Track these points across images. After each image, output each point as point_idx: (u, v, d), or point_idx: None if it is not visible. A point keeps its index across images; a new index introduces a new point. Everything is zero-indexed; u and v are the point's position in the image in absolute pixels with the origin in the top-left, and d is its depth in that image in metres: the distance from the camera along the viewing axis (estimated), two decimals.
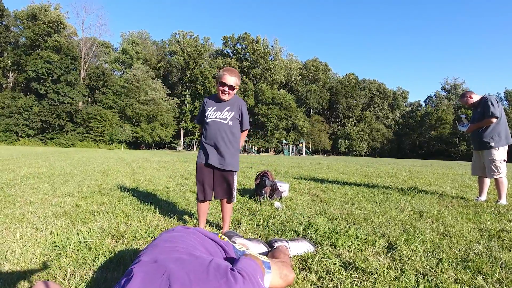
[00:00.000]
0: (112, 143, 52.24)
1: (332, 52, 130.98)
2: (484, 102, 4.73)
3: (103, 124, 51.22)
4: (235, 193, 2.93)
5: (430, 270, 2.01)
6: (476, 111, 4.89)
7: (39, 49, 49.18)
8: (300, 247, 2.30)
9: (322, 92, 74.86)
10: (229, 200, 2.89)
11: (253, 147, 59.04)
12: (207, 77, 59.05)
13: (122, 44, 63.37)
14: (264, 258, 1.62)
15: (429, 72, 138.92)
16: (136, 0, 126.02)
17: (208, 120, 2.84)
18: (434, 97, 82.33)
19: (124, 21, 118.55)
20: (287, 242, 2.28)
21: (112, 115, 53.19)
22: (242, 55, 66.69)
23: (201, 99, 60.56)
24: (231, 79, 2.73)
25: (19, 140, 46.89)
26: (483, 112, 4.74)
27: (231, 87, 2.75)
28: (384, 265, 2.07)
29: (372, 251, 2.36)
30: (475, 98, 4.90)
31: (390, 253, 2.32)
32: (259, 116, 64.09)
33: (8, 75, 52.11)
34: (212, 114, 2.84)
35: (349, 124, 76.59)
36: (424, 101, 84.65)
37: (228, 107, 2.85)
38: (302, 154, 58.16)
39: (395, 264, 2.11)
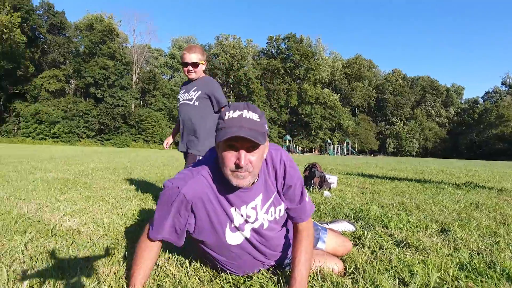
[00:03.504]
0: (162, 143, 54.87)
1: (378, 48, 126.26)
2: None
3: (153, 126, 54.12)
4: None
5: (485, 250, 2.05)
6: None
7: (96, 57, 53.21)
8: (340, 226, 2.43)
9: (368, 90, 72.42)
10: None
11: (297, 147, 58.80)
12: (250, 78, 59.96)
13: (171, 49, 66.42)
14: (321, 225, 1.80)
15: (487, 67, 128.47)
16: (183, 6, 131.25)
17: (178, 104, 2.80)
18: (493, 92, 75.95)
19: (173, 27, 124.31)
20: (327, 224, 2.42)
21: (162, 116, 56.00)
22: (286, 55, 66.69)
23: (245, 101, 61.68)
24: (192, 56, 2.62)
25: (80, 141, 51.04)
26: None
27: (195, 64, 2.63)
28: (437, 244, 2.14)
29: (425, 234, 2.42)
30: None
31: (443, 235, 2.37)
32: (303, 116, 63.60)
33: (70, 81, 57.07)
34: (182, 96, 2.77)
35: (398, 123, 73.24)
36: (482, 97, 78.32)
37: (195, 87, 2.70)
38: (347, 154, 56.84)
39: (449, 244, 2.17)
